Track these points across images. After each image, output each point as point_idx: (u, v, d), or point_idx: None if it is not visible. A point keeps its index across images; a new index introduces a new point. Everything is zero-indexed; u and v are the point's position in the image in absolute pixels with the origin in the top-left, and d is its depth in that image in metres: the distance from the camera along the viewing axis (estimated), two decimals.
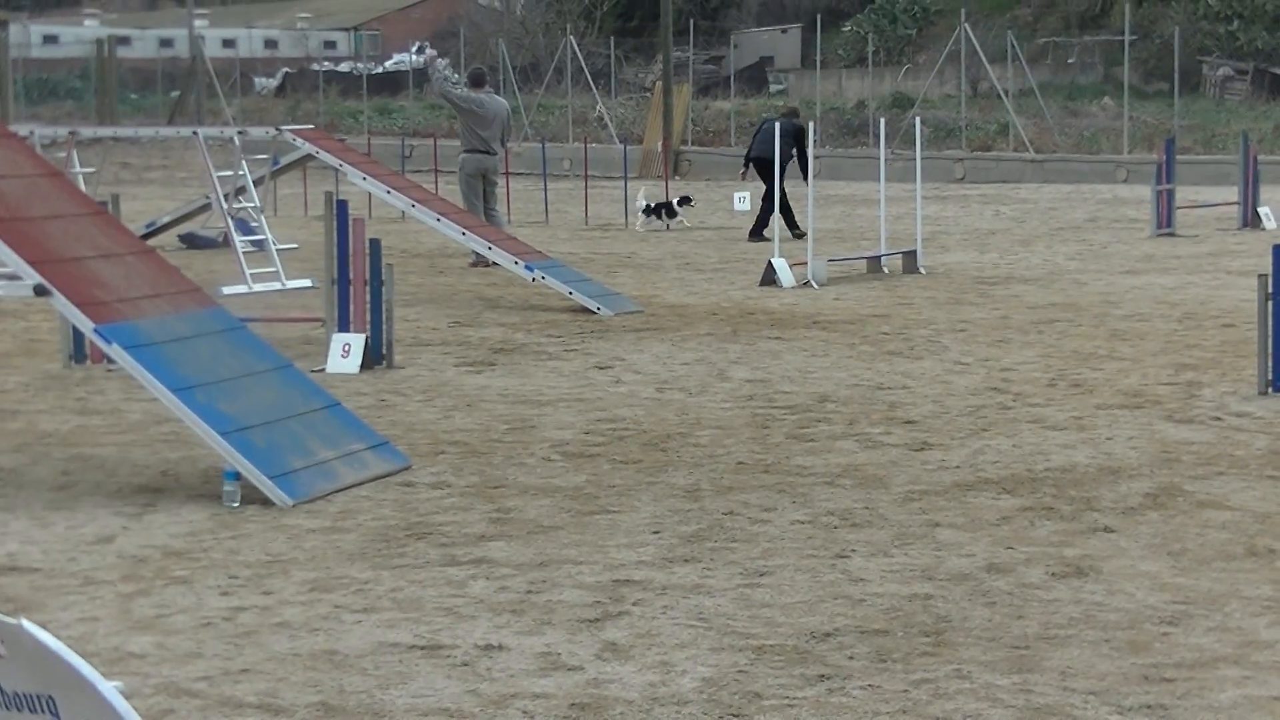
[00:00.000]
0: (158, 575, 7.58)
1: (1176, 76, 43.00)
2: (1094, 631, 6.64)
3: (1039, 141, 42.17)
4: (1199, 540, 8.04)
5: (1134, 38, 45.66)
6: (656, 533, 8.24)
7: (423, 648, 6.50)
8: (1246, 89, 50.09)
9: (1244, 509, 8.64)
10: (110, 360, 10.95)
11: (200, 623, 6.86)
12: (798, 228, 24.79)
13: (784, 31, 67.05)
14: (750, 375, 12.93)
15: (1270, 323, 11.65)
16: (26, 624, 3.46)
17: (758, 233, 24.73)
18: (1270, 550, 7.85)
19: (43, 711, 3.53)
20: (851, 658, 6.35)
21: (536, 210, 29.71)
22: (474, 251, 19.42)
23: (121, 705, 3.46)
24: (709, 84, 56.70)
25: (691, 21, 53.10)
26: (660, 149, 39.58)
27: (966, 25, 44.70)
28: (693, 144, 45.29)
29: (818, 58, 50.57)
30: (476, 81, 23.37)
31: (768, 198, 24.08)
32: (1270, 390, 11.70)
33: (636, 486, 9.23)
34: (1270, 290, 11.60)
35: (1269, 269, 11.62)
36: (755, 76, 59.86)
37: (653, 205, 27.38)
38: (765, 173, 24.91)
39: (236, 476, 8.84)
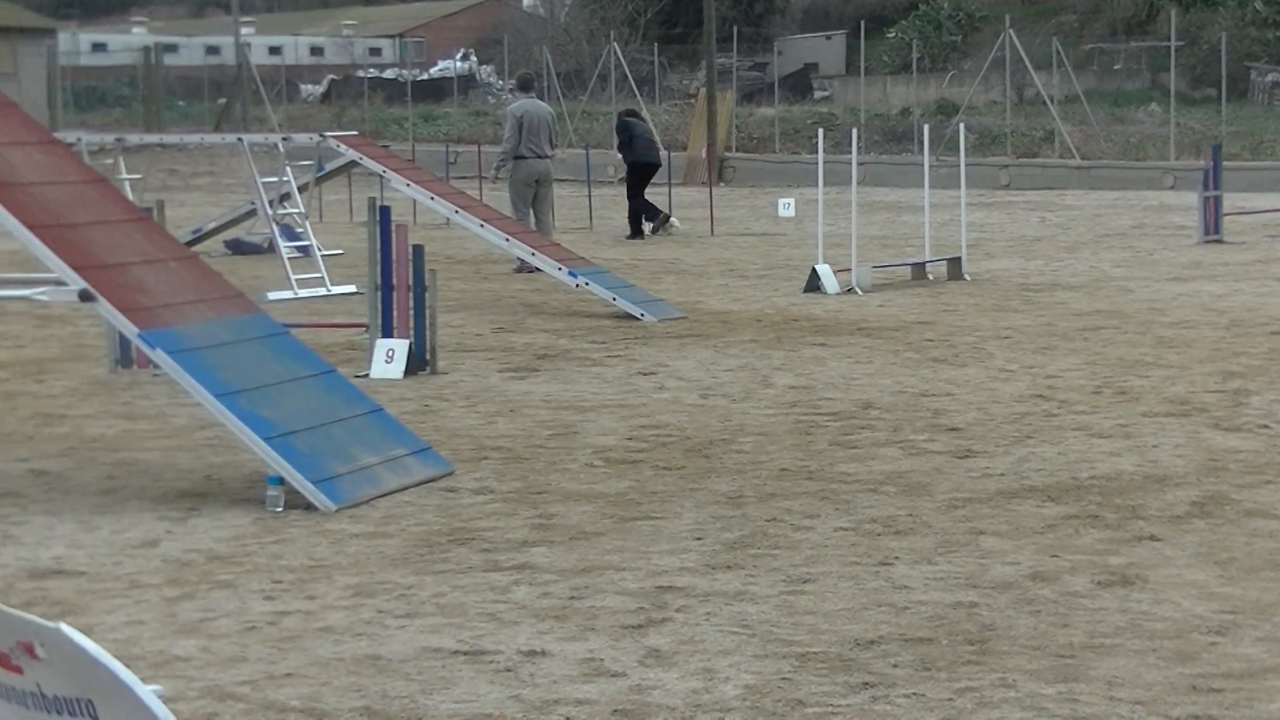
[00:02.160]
0: (202, 579, 7.58)
1: (1224, 83, 42.84)
2: (1140, 641, 6.60)
3: (1084, 148, 42.04)
4: (1246, 549, 7.99)
5: (1180, 44, 45.48)
6: (699, 539, 8.22)
7: (465, 653, 6.49)
8: None
9: None
10: (155, 365, 10.99)
11: (244, 627, 6.87)
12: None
13: (828, 38, 67.00)
14: (794, 382, 12.90)
15: None
16: (65, 628, 3.45)
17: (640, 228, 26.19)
18: None
19: (81, 715, 3.52)
20: (895, 666, 6.32)
21: (580, 217, 29.72)
22: (518, 258, 19.42)
23: (160, 709, 3.46)
24: (753, 90, 56.67)
25: (735, 28, 53.10)
26: (704, 156, 39.58)
27: (1011, 32, 44.59)
28: (736, 150, 45.26)
29: (862, 64, 50.51)
30: (524, 85, 23.47)
31: (637, 195, 26.75)
32: None
33: (679, 493, 9.21)
34: None
35: None
36: (799, 83, 59.83)
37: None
38: (646, 175, 26.90)
39: (280, 481, 8.84)
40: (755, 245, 25.62)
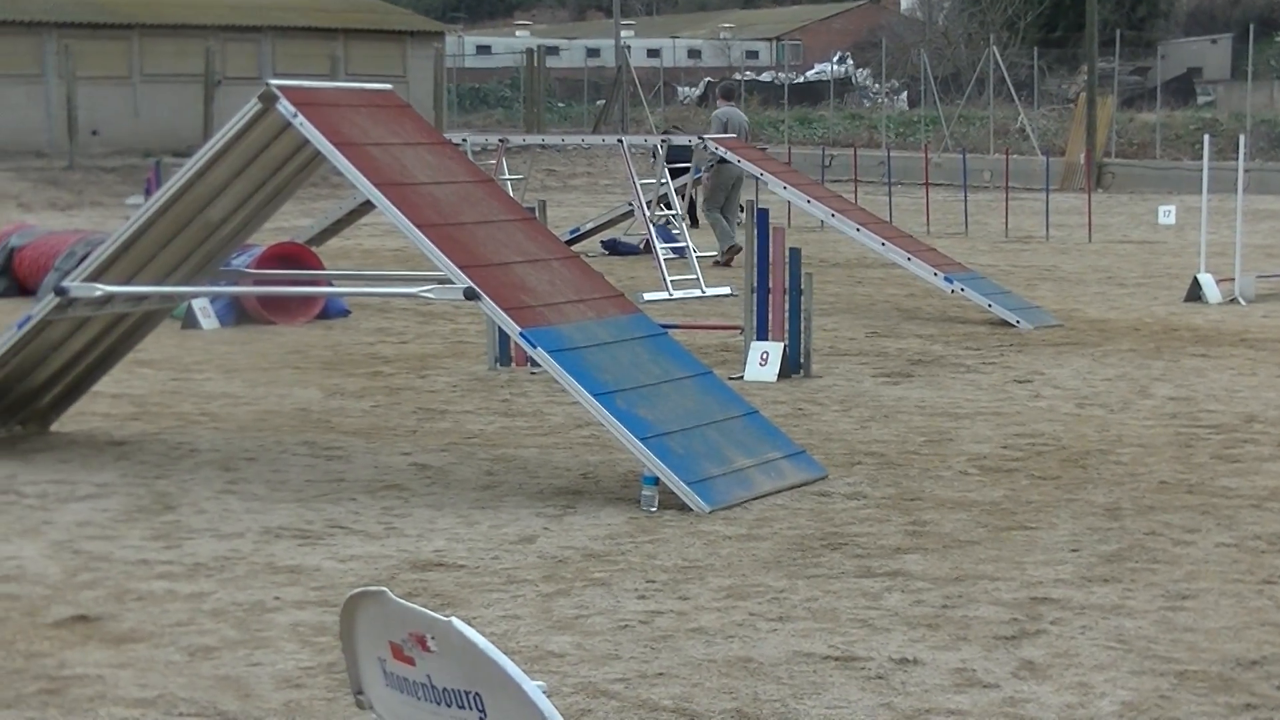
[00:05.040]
0: (577, 576, 7.70)
1: None
2: None
3: None
4: None
5: None
6: (1075, 551, 8.09)
7: (837, 659, 6.49)
8: None
9: None
10: (534, 363, 11.19)
11: (618, 625, 6.95)
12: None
13: (1213, 42, 65.43)
14: (1173, 393, 12.62)
15: None
16: (456, 622, 3.53)
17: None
18: None
19: (470, 708, 3.60)
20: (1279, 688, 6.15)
21: (956, 222, 29.47)
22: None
23: (546, 706, 3.52)
24: (1133, 95, 55.60)
25: (1117, 32, 52.12)
26: (1082, 161, 38.96)
27: None
28: (1115, 156, 44.45)
29: (1249, 69, 49.18)
30: (727, 95, 24.80)
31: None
32: None
33: (1055, 503, 9.08)
34: None
35: None
36: (1182, 88, 58.52)
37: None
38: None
39: (655, 482, 8.93)
40: (1134, 253, 25.13)
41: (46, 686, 6.26)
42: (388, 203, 9.44)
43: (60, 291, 10.08)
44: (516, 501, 9.18)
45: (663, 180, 20.83)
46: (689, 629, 6.89)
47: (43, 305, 10.20)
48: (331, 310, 17.10)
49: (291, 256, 16.61)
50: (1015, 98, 48.47)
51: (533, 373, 13.10)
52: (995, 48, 49.82)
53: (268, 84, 9.71)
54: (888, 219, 21.94)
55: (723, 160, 22.03)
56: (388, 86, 10.77)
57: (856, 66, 71.67)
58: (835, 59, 72.78)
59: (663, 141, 21.51)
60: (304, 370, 13.87)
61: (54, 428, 11.25)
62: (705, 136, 21.06)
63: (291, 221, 26.10)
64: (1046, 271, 22.21)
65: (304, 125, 9.59)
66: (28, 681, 6.32)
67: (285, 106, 9.60)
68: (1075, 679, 6.24)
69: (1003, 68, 48.52)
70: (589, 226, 25.12)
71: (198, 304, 16.03)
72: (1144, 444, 10.69)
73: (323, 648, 6.64)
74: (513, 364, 13.65)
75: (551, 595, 7.39)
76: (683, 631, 6.85)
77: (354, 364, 14.20)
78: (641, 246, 23.20)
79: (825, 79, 64.70)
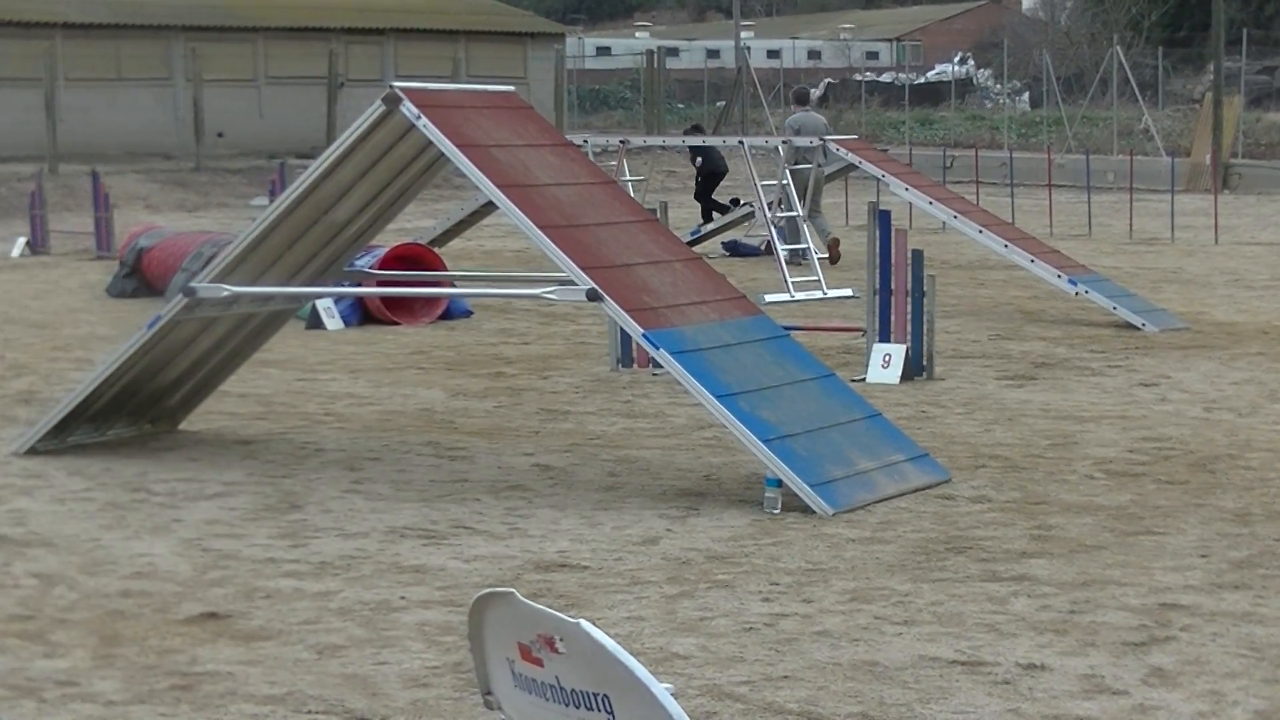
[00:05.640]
0: (701, 578, 7.69)
1: None
2: None
3: None
4: None
5: None
6: (1204, 556, 8.00)
7: (963, 663, 6.45)
8: None
9: None
10: (655, 364, 11.20)
11: (742, 627, 6.94)
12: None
13: None
14: None
15: None
16: (585, 624, 3.54)
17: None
18: None
19: (599, 710, 3.60)
20: None
21: (1079, 223, 29.22)
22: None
23: (674, 708, 3.51)
24: (1261, 95, 54.96)
25: (1244, 31, 51.55)
26: (1208, 162, 38.57)
27: None
28: (1242, 157, 43.96)
29: None
30: (801, 100, 25.24)
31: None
32: None
33: (1183, 508, 8.98)
34: None
35: None
36: None
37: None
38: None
39: (778, 484, 8.91)
40: (1262, 255, 24.83)
41: (179, 683, 6.32)
42: (511, 204, 9.47)
43: (188, 292, 10.18)
44: (639, 503, 9.19)
45: (784, 181, 20.79)
46: (814, 632, 6.87)
47: (171, 305, 10.30)
48: (454, 311, 17.18)
49: (414, 257, 16.71)
50: (1139, 98, 48.04)
51: (654, 374, 13.11)
52: (1119, 47, 49.39)
53: (391, 86, 9.77)
54: (1010, 221, 21.79)
55: (798, 162, 22.10)
56: (510, 88, 10.81)
57: (978, 67, 71.28)
58: (956, 59, 72.42)
59: (784, 141, 21.48)
60: (427, 371, 13.94)
61: (182, 426, 11.37)
62: (826, 137, 21.01)
63: (414, 223, 26.24)
64: (1172, 274, 21.99)
65: (427, 127, 9.64)
66: (160, 677, 6.39)
67: (409, 109, 9.65)
68: (1206, 687, 6.17)
69: (1126, 68, 48.09)
70: (710, 228, 25.10)
71: (322, 304, 16.15)
72: (1274, 449, 10.56)
73: (448, 647, 6.67)
74: (634, 365, 13.66)
75: (675, 597, 7.39)
76: (807, 634, 6.83)
77: (477, 364, 14.26)
78: (762, 248, 23.17)
79: (946, 80, 64.38)
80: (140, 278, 19.31)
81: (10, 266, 23.64)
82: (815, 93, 64.03)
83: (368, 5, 48.43)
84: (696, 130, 30.53)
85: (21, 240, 25.85)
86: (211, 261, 10.59)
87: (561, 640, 3.59)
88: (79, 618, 7.18)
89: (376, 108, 9.74)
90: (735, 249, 24.59)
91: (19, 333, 16.39)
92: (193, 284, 10.22)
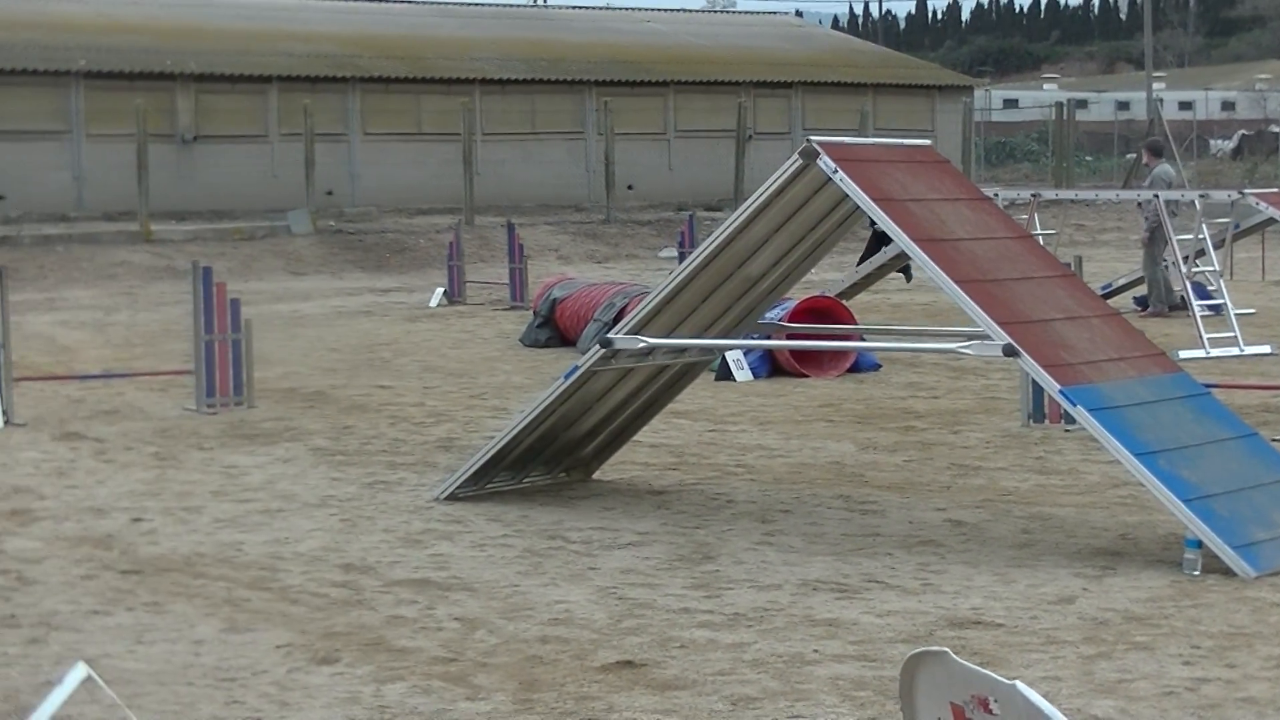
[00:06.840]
0: (1119, 639, 7.55)
1: None
2: None
3: None
4: None
5: None
6: None
7: None
8: None
9: None
10: (1069, 420, 11.05)
11: (1163, 691, 6.79)
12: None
13: None
14: None
15: None
16: (1021, 685, 3.51)
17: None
18: None
19: None
20: None
21: None
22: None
23: None
24: None
25: None
26: None
27: None
28: None
29: None
30: (1157, 152, 24.63)
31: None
32: None
33: None
34: None
35: None
36: None
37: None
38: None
39: (1198, 545, 8.71)
40: None
41: None
42: (927, 258, 9.45)
43: (605, 343, 10.37)
44: (1054, 561, 9.07)
45: (1199, 235, 20.35)
46: (1238, 698, 6.69)
47: (588, 356, 10.50)
48: (862, 364, 17.17)
49: (823, 310, 16.75)
50: None
51: (1067, 430, 12.92)
52: None
53: (808, 140, 9.82)
54: None
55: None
56: (926, 142, 10.79)
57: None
58: None
59: (1201, 195, 21.03)
60: (836, 424, 13.96)
61: (596, 475, 11.57)
62: (1246, 191, 20.52)
63: (821, 275, 26.32)
64: None
65: (844, 181, 9.68)
66: None
67: (825, 162, 9.70)
68: None
69: None
70: (1121, 282, 24.69)
71: (731, 356, 16.29)
72: None
73: (863, 702, 6.66)
74: (1046, 420, 13.48)
75: (1093, 658, 7.27)
76: (1231, 700, 6.66)
77: (886, 418, 14.23)
78: (1178, 302, 22.70)
79: None
80: (553, 328, 19.72)
81: (429, 316, 24.34)
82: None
83: (777, 59, 48.81)
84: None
85: (440, 290, 26.63)
86: (623, 312, 10.76)
87: (996, 701, 3.56)
88: (499, 662, 7.34)
89: (794, 161, 9.80)
90: (1148, 304, 24.13)
91: (438, 380, 16.86)
92: (610, 335, 10.41)
